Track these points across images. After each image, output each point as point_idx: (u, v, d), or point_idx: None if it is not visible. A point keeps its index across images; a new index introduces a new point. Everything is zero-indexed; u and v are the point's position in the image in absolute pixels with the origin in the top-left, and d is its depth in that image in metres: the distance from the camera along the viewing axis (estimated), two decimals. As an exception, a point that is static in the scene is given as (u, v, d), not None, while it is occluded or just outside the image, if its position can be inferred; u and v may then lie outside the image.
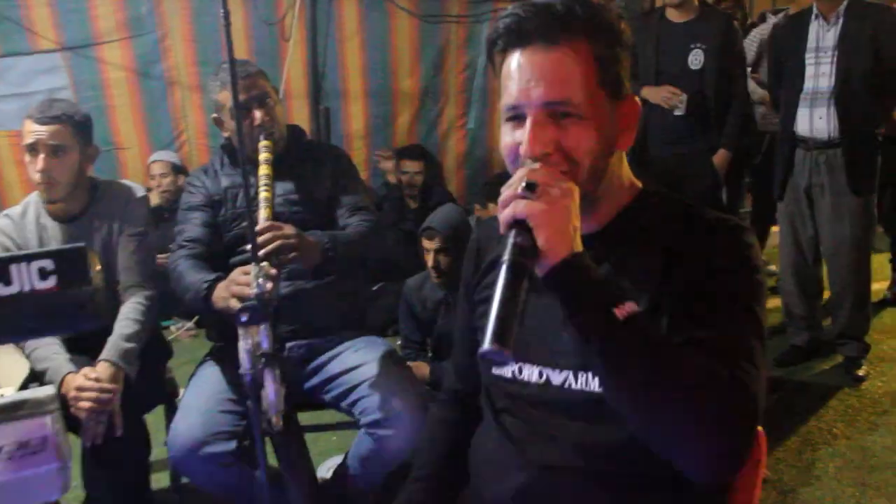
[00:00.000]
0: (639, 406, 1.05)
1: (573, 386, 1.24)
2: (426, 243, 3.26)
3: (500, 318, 0.99)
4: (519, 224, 1.05)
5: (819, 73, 3.69)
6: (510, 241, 1.05)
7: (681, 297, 1.15)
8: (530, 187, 1.06)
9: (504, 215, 1.07)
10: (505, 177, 1.13)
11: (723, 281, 1.15)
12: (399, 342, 3.81)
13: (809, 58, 3.71)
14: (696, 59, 3.97)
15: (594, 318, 1.04)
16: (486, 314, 1.00)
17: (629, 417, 1.07)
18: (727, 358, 1.06)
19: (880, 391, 3.74)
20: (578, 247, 1.06)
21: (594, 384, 1.22)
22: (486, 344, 0.97)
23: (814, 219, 3.86)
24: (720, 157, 4.11)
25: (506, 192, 1.09)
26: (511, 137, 1.19)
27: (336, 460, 3.08)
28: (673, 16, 4.04)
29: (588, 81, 1.15)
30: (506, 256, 1.04)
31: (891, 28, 3.63)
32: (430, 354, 3.48)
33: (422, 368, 3.36)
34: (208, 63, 4.60)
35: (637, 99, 1.24)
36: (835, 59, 3.63)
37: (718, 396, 1.02)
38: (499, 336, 0.97)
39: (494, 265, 1.38)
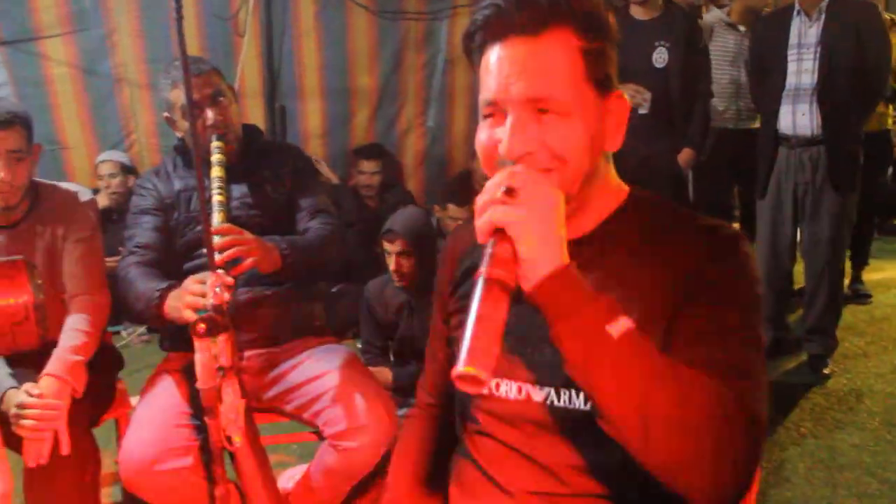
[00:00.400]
0: (637, 429, 0.96)
1: (556, 403, 1.16)
2: (387, 246, 3.17)
3: (476, 336, 0.89)
4: (498, 233, 0.96)
5: (801, 69, 3.68)
6: (488, 250, 0.96)
7: (675, 310, 1.08)
8: (510, 192, 0.97)
9: (481, 223, 0.98)
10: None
11: (721, 293, 1.08)
12: (360, 345, 3.72)
13: (792, 54, 3.70)
14: (660, 57, 3.94)
15: (586, 337, 0.95)
16: (461, 326, 0.92)
17: (620, 438, 0.99)
18: (729, 377, 0.99)
19: (845, 388, 3.76)
20: (565, 258, 0.97)
21: (579, 401, 1.14)
22: (461, 366, 0.88)
23: (796, 219, 3.85)
24: (685, 157, 4.09)
25: (483, 197, 1.00)
26: (488, 136, 1.10)
27: (297, 470, 2.98)
28: (637, 13, 4.01)
29: (574, 76, 1.07)
30: (483, 268, 0.94)
31: (873, 24, 3.63)
32: (391, 359, 3.40)
33: (384, 373, 3.27)
34: (158, 60, 4.44)
35: (626, 95, 1.16)
36: (817, 55, 3.63)
37: (723, 420, 0.95)
38: (475, 357, 0.88)
39: (469, 277, 1.30)
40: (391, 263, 3.18)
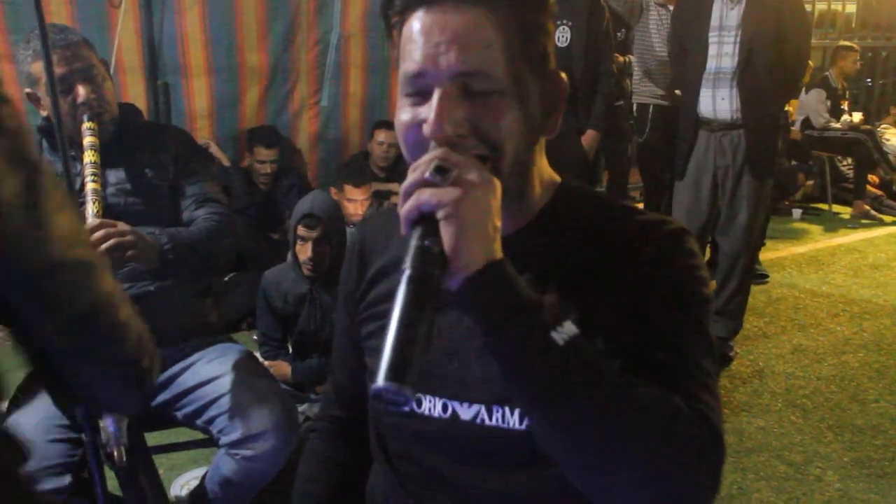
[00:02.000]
0: (581, 448, 0.84)
1: (486, 422, 1.02)
2: (304, 232, 2.96)
3: (399, 346, 0.76)
4: (425, 220, 0.82)
5: (722, 52, 3.67)
6: (413, 243, 0.82)
7: (618, 312, 0.96)
8: (441, 171, 0.83)
9: (406, 208, 0.83)
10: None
11: (667, 293, 0.97)
12: (255, 337, 3.52)
13: (713, 37, 3.68)
14: (562, 35, 3.88)
15: (525, 344, 0.82)
16: (375, 335, 0.78)
17: (565, 462, 0.86)
18: (681, 386, 0.88)
19: (749, 370, 3.82)
20: (499, 252, 0.84)
21: (514, 420, 1.01)
22: (381, 380, 0.75)
23: (714, 202, 3.86)
24: (589, 138, 4.05)
25: (409, 178, 0.85)
26: (411, 115, 0.95)
27: (191, 476, 2.78)
28: (538, -9, 3.92)
29: (509, 51, 0.93)
30: (407, 264, 0.80)
31: (793, 9, 3.65)
32: (290, 352, 3.21)
33: (282, 368, 3.10)
34: (20, 30, 4.05)
35: (564, 76, 1.03)
36: (738, 38, 3.61)
37: (677, 435, 0.84)
38: (397, 371, 0.75)
39: (385, 275, 1.15)
40: (305, 251, 2.97)
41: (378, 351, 0.78)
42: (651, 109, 4.79)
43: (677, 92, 4.32)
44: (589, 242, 1.02)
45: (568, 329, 0.84)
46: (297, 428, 2.08)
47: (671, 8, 4.74)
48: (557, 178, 1.09)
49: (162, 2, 4.46)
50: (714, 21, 3.69)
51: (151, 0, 4.42)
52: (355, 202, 4.26)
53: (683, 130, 3.90)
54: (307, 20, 4.92)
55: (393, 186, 4.79)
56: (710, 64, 3.70)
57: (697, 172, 3.85)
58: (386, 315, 0.80)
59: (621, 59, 4.84)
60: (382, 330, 0.78)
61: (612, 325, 0.96)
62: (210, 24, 4.64)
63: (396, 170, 4.89)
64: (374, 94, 5.28)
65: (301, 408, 2.95)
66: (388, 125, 4.92)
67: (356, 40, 5.08)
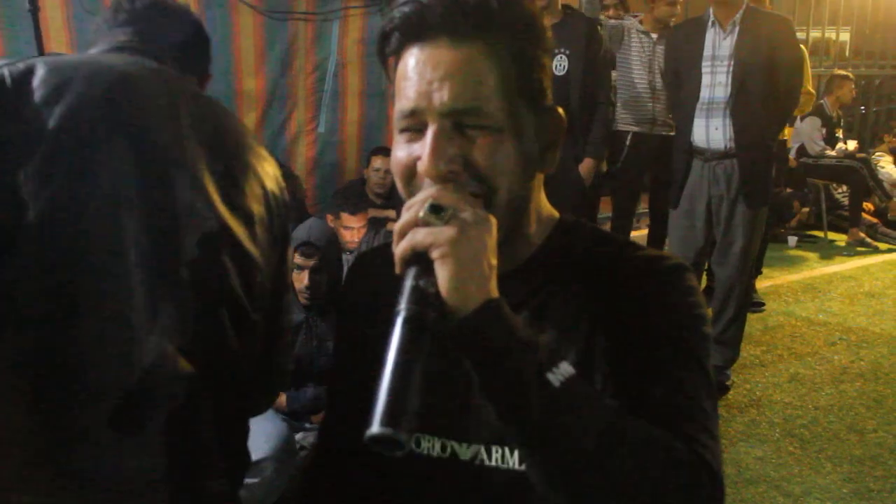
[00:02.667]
0: (577, 490, 0.83)
1: (486, 462, 1.01)
2: (301, 260, 2.95)
3: (394, 390, 0.75)
4: (420, 259, 0.81)
5: (715, 82, 3.68)
6: (408, 283, 0.81)
7: (616, 350, 0.95)
8: (435, 210, 0.82)
9: (401, 248, 0.83)
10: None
11: (666, 331, 0.95)
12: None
13: (706, 66, 3.70)
14: (560, 64, 3.89)
15: (520, 385, 0.81)
16: (373, 377, 0.76)
17: (561, 503, 0.85)
18: (680, 428, 0.87)
19: (746, 400, 3.80)
20: (494, 291, 0.83)
21: (513, 460, 0.99)
22: (375, 426, 0.73)
23: (708, 230, 3.86)
24: (586, 166, 4.05)
25: (403, 217, 0.84)
26: (406, 152, 0.94)
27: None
28: (537, 19, 3.94)
29: (505, 86, 0.92)
30: (402, 306, 0.79)
31: (785, 38, 3.67)
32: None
33: (278, 397, 3.07)
34: (22, 54, 4.04)
35: (561, 111, 1.02)
36: (730, 68, 3.62)
37: (679, 479, 0.83)
38: (392, 415, 0.74)
39: (384, 312, 1.14)
40: (302, 280, 2.95)
41: (374, 393, 0.76)
42: (629, 137, 4.78)
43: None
44: (587, 279, 1.01)
45: (564, 370, 0.82)
46: (294, 457, 2.06)
47: (654, 36, 4.78)
48: (556, 214, 1.09)
49: (160, 28, 4.48)
50: (707, 51, 3.71)
51: (150, 26, 4.43)
52: (352, 230, 4.25)
53: (677, 159, 3.91)
54: (305, 47, 4.94)
55: (389, 213, 4.78)
56: (704, 93, 3.72)
57: (691, 201, 3.85)
58: (382, 358, 0.78)
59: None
60: (379, 372, 0.77)
61: (610, 364, 0.96)
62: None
63: (393, 196, 4.88)
64: (371, 121, 5.29)
65: (297, 436, 2.92)
66: (386, 151, 4.90)
67: (353, 67, 5.09)
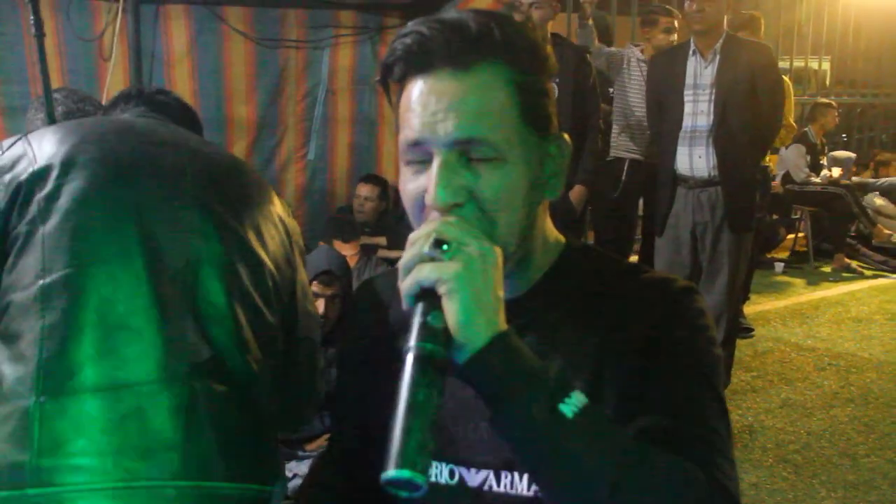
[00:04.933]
0: None
1: (495, 488, 0.99)
2: (319, 289, 2.94)
3: (407, 431, 0.74)
4: (426, 295, 0.81)
5: (697, 110, 3.71)
6: (416, 320, 0.80)
7: (629, 377, 0.94)
8: (440, 245, 0.82)
9: (406, 284, 0.82)
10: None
11: (677, 354, 0.95)
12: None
13: (688, 95, 3.73)
14: (550, 92, 3.92)
15: (533, 418, 0.80)
16: (382, 414, 0.75)
17: None
18: (698, 453, 0.86)
19: (738, 425, 3.79)
20: (503, 324, 0.82)
21: (522, 486, 0.98)
22: (392, 468, 0.72)
23: (694, 256, 3.87)
24: (577, 194, 4.07)
25: (408, 253, 0.84)
26: (414, 184, 0.94)
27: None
28: (526, 48, 3.97)
29: (508, 115, 0.92)
30: (411, 343, 0.79)
31: (765, 65, 3.71)
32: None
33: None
34: (10, 81, 4.06)
35: (567, 137, 1.02)
36: (712, 97, 3.66)
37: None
38: (408, 457, 0.73)
39: (389, 346, 1.12)
40: (318, 308, 2.94)
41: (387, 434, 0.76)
42: (627, 164, 4.81)
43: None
44: (595, 304, 1.00)
45: (577, 399, 0.82)
46: (284, 485, 2.02)
47: None
48: (562, 239, 1.08)
49: (151, 55, 4.48)
50: (689, 79, 3.75)
51: (141, 53, 4.44)
52: (345, 258, 4.24)
53: (661, 186, 3.94)
54: (295, 74, 4.95)
55: (380, 240, 4.77)
56: (686, 122, 3.75)
57: (676, 229, 3.88)
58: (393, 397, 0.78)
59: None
60: (392, 412, 0.76)
61: (622, 389, 0.95)
62: (199, 76, 4.66)
63: (380, 223, 4.88)
64: (360, 148, 5.29)
65: (289, 465, 2.89)
66: (374, 179, 4.92)
67: (343, 94, 5.11)
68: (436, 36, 0.91)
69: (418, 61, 0.93)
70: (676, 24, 4.70)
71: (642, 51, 4.85)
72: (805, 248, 7.60)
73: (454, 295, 0.80)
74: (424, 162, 0.93)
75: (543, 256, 1.04)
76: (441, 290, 0.80)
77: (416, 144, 0.93)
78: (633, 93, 4.75)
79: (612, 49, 4.99)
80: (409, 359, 0.78)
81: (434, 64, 0.92)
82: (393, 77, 0.96)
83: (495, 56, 0.92)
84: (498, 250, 0.86)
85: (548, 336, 0.99)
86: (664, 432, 0.89)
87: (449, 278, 0.80)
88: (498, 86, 0.92)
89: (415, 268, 0.82)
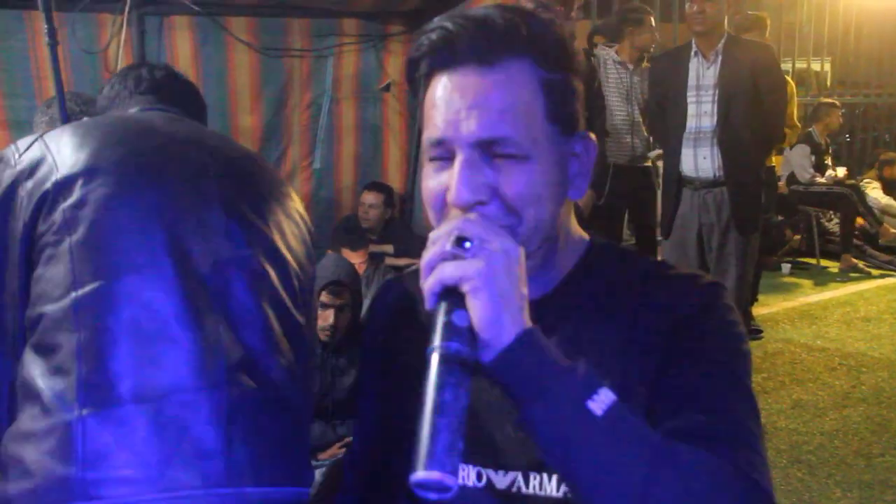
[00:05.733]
0: None
1: (523, 490, 0.98)
2: (328, 299, 2.92)
3: (436, 432, 0.73)
4: (450, 294, 0.80)
5: (701, 112, 3.71)
6: (440, 319, 0.79)
7: (657, 374, 0.93)
8: (461, 242, 0.81)
9: (429, 283, 0.81)
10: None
11: (708, 351, 0.94)
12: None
13: (691, 96, 3.73)
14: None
15: (563, 418, 0.79)
16: (405, 415, 0.74)
17: None
18: (730, 450, 0.85)
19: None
20: (528, 321, 0.81)
21: (551, 487, 0.96)
22: (421, 470, 0.71)
23: (701, 258, 3.87)
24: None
25: (429, 251, 0.83)
26: (435, 182, 0.93)
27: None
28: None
29: (533, 113, 0.91)
30: (436, 343, 0.77)
31: (767, 65, 3.71)
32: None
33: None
34: (16, 95, 4.06)
35: (593, 136, 1.01)
36: (715, 97, 3.66)
37: (731, 502, 0.81)
38: (437, 457, 0.72)
39: (412, 347, 1.12)
40: (327, 318, 2.92)
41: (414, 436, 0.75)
42: (611, 170, 4.77)
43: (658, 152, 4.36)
44: (621, 302, 0.99)
45: (605, 396, 0.81)
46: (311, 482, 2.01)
47: (630, 66, 4.77)
48: (586, 237, 1.07)
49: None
50: (691, 80, 3.75)
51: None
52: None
53: (666, 188, 3.93)
54: (299, 83, 4.95)
55: (387, 248, 4.76)
56: (690, 123, 3.75)
57: (683, 230, 3.87)
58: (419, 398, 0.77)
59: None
60: (418, 414, 0.75)
61: (650, 387, 0.94)
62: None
63: (386, 230, 4.88)
64: (366, 156, 5.29)
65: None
66: (379, 187, 4.92)
67: (348, 103, 5.10)
68: (461, 32, 0.91)
69: (443, 57, 0.92)
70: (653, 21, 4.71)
71: (616, 51, 4.83)
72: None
73: (478, 293, 0.79)
74: (447, 159, 0.92)
75: (568, 255, 1.03)
76: (465, 288, 0.79)
77: (439, 143, 0.92)
78: (612, 97, 4.69)
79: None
80: (435, 359, 0.77)
81: (459, 60, 0.91)
82: (419, 72, 0.96)
83: (522, 52, 0.91)
84: (521, 248, 0.85)
85: (574, 335, 0.98)
86: (694, 429, 0.88)
87: (472, 276, 0.79)
88: (523, 83, 0.91)
89: (437, 266, 0.81)
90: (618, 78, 4.73)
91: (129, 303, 1.25)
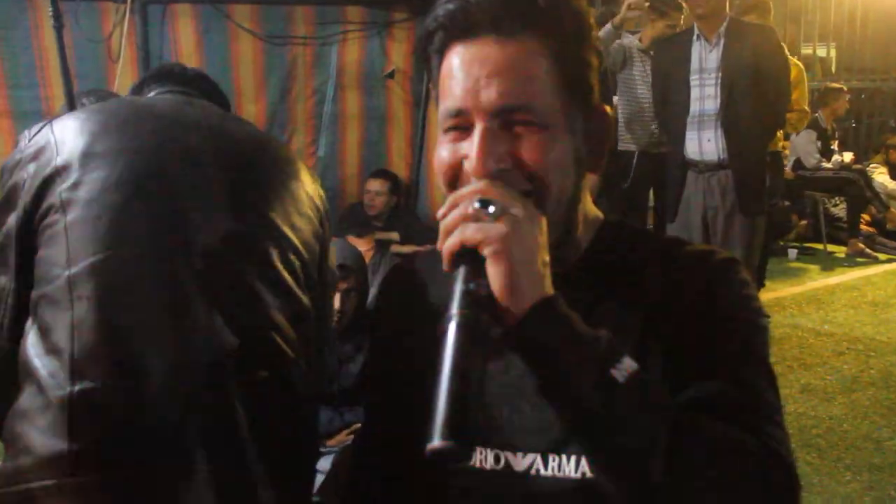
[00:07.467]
0: (654, 489, 0.80)
1: (542, 472, 0.96)
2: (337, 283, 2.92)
3: (452, 400, 0.71)
4: (470, 256, 0.78)
5: (704, 95, 3.70)
6: (458, 287, 0.77)
7: (674, 349, 0.92)
8: (486, 204, 0.80)
9: (450, 243, 0.80)
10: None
11: (725, 325, 0.94)
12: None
13: (694, 80, 3.72)
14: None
15: (585, 383, 0.79)
16: (415, 386, 0.73)
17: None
18: (750, 422, 0.85)
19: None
20: (550, 289, 0.81)
21: (570, 468, 0.94)
22: (437, 438, 0.70)
23: (707, 242, 3.86)
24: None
25: (451, 214, 0.82)
26: (451, 151, 0.92)
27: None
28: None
29: (552, 84, 0.90)
30: (454, 310, 0.76)
31: (770, 48, 3.69)
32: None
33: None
34: (20, 86, 4.06)
35: (609, 110, 1.00)
36: (718, 80, 3.64)
37: (753, 471, 0.81)
38: (453, 426, 0.70)
39: (426, 321, 1.10)
40: (335, 303, 2.91)
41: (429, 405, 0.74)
42: (636, 157, 4.77)
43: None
44: (638, 278, 0.99)
45: (627, 364, 0.80)
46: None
47: (652, 53, 4.73)
48: (601, 215, 1.07)
49: (159, 54, 4.48)
50: (694, 64, 3.74)
51: (149, 53, 4.43)
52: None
53: (671, 172, 3.92)
54: (304, 71, 4.94)
55: (393, 235, 4.76)
56: (694, 107, 3.74)
57: (688, 214, 3.86)
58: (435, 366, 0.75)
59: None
60: (434, 382, 0.74)
61: (668, 361, 0.93)
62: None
63: (391, 218, 4.88)
64: (371, 144, 5.28)
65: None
66: (384, 174, 4.91)
67: (352, 90, 5.09)
68: (480, 2, 0.89)
69: (461, 28, 0.91)
70: (682, 20, 4.66)
71: (640, 39, 4.81)
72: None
73: (500, 257, 0.78)
74: (465, 129, 0.91)
75: (584, 233, 1.02)
76: (486, 251, 0.78)
77: (457, 113, 0.91)
78: (638, 84, 4.70)
79: (615, 43, 4.94)
80: (452, 327, 0.76)
81: (477, 31, 0.90)
82: (433, 45, 0.94)
83: (539, 24, 0.90)
84: (543, 217, 0.84)
85: (593, 312, 0.96)
86: (713, 401, 0.87)
87: (495, 239, 0.78)
88: (542, 54, 0.90)
89: (459, 227, 0.80)
90: (642, 67, 4.71)
91: (122, 280, 1.25)
